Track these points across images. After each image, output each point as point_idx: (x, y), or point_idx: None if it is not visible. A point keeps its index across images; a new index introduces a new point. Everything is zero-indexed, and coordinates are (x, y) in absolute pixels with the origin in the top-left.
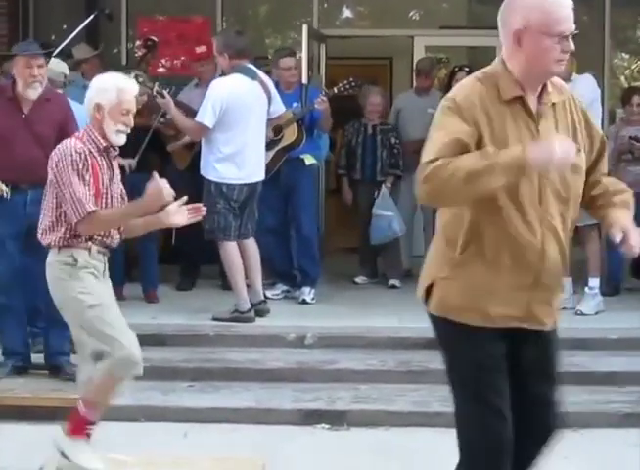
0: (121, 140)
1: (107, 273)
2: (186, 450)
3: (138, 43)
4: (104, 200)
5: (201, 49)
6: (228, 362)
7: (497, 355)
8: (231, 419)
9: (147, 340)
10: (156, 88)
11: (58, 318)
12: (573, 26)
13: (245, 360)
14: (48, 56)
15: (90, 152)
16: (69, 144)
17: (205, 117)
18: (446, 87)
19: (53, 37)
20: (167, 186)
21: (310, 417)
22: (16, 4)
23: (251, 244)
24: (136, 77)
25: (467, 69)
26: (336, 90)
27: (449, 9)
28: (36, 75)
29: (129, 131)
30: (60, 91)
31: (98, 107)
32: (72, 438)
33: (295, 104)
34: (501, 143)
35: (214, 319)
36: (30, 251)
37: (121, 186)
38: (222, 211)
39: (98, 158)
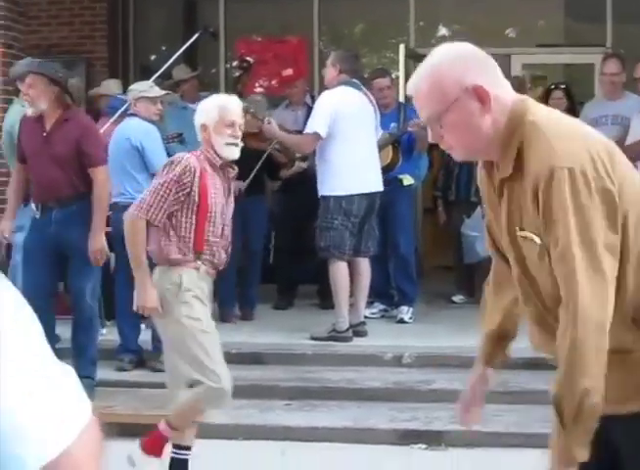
0: (234, 153)
1: (211, 296)
2: (283, 469)
3: (235, 64)
4: (212, 218)
5: (287, 72)
6: (325, 381)
7: None
8: (328, 438)
9: (244, 358)
10: (267, 119)
11: (84, 346)
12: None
13: (342, 379)
14: (44, 74)
15: (204, 169)
16: (183, 158)
17: (317, 125)
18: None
19: (152, 58)
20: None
21: (407, 437)
22: (115, 27)
23: (365, 264)
24: (246, 108)
25: (563, 86)
26: None
27: (546, 26)
28: (25, 93)
29: (240, 145)
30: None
31: (204, 127)
32: (148, 456)
33: (392, 124)
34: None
35: (312, 338)
36: (74, 272)
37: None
38: (339, 227)
39: (211, 175)
